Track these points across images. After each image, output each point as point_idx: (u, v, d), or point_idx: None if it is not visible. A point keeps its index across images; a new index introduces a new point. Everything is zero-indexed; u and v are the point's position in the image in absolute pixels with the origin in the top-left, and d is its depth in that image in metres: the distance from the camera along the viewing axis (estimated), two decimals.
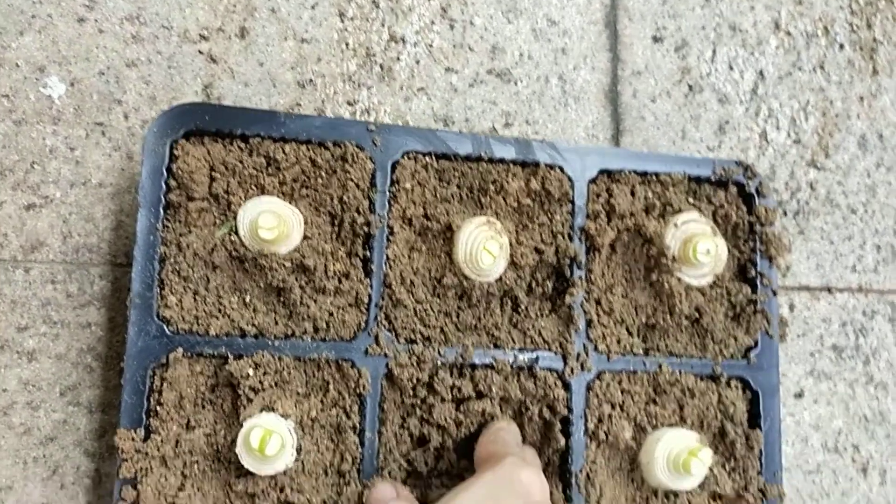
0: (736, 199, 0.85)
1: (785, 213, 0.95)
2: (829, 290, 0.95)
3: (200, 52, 0.83)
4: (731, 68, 0.96)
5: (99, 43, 0.81)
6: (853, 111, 0.98)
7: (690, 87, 0.94)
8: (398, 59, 0.88)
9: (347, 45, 0.86)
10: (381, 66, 0.87)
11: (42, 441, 0.76)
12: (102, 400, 0.77)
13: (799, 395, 0.93)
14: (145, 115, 0.81)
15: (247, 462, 0.69)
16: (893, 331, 0.96)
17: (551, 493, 0.74)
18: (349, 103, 0.86)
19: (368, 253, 0.76)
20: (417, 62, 0.88)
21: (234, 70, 0.84)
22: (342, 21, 0.86)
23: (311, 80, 0.85)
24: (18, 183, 0.78)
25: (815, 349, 0.94)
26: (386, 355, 0.74)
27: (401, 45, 0.88)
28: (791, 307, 0.94)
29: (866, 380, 0.95)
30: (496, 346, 0.78)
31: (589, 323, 0.79)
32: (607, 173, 0.82)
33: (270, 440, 0.67)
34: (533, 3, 0.91)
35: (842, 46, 0.99)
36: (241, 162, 0.74)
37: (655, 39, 0.94)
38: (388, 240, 0.76)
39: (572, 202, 0.80)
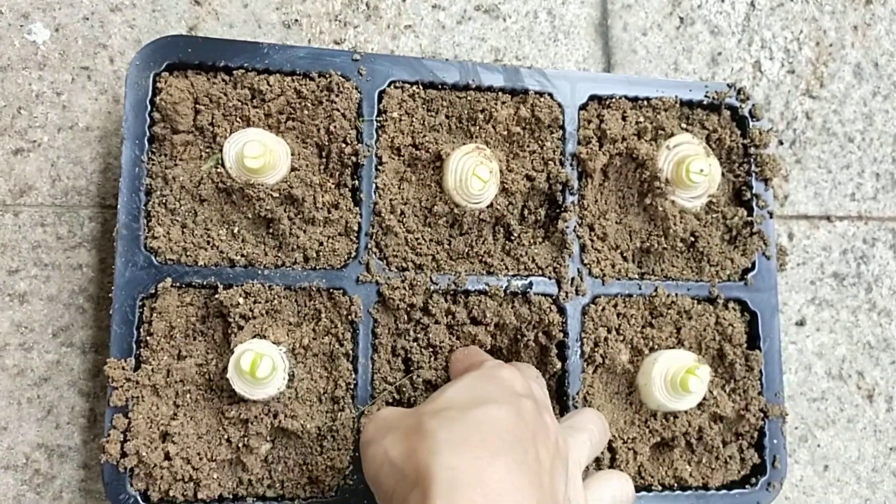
0: (729, 122, 0.84)
1: (781, 143, 0.94)
2: (828, 218, 0.94)
3: None
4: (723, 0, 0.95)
5: None
6: (847, 40, 0.97)
7: (682, 20, 0.93)
8: None
9: None
10: (368, 5, 0.87)
11: (36, 382, 0.76)
12: (95, 340, 0.77)
13: (801, 324, 0.92)
14: (130, 59, 0.81)
15: (238, 387, 0.68)
16: (895, 257, 0.95)
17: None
18: (336, 42, 0.86)
19: (357, 183, 0.75)
20: (404, 0, 0.88)
21: (218, 12, 0.83)
22: None
23: (296, 21, 0.85)
24: (5, 128, 0.78)
25: (816, 277, 0.93)
26: (378, 283, 0.74)
27: None
28: (790, 236, 0.93)
29: (869, 307, 0.94)
30: (489, 273, 0.77)
31: (583, 248, 0.79)
32: (598, 99, 0.82)
33: (261, 363, 0.67)
34: None
35: None
36: (225, 94, 0.74)
37: None
38: (377, 169, 0.76)
39: (563, 128, 0.80)
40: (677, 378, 0.75)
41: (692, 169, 0.77)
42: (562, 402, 0.77)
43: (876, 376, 0.93)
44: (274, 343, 0.70)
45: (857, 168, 0.95)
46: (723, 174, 0.83)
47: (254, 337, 0.70)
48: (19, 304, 0.76)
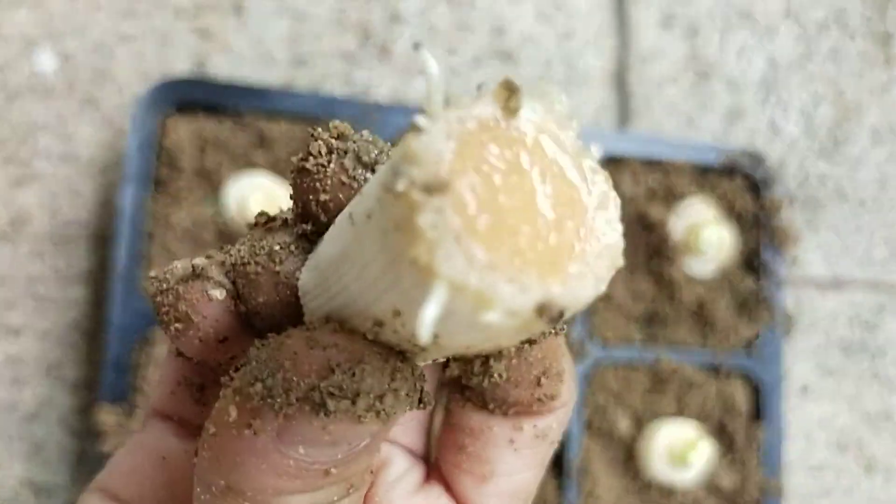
0: (742, 187, 0.83)
1: (793, 205, 0.93)
2: (836, 283, 0.93)
3: (194, 28, 0.82)
4: (741, 56, 0.94)
5: (93, 18, 0.80)
6: (865, 102, 0.96)
7: (699, 75, 0.92)
8: (397, 39, 0.86)
9: (346, 24, 0.85)
10: (380, 46, 0.86)
11: (26, 417, 0.75)
12: (87, 377, 0.76)
13: (804, 391, 0.91)
14: (137, 91, 0.79)
15: None
16: None
17: (545, 483, 0.72)
18: (345, 83, 0.84)
19: None
20: (417, 43, 0.86)
21: (228, 47, 0.82)
22: None
23: (307, 59, 0.84)
24: (9, 158, 0.77)
25: (822, 344, 0.92)
26: None
27: (401, 24, 0.86)
28: (798, 301, 0.92)
29: (873, 376, 0.92)
30: None
31: (588, 311, 0.78)
32: (610, 158, 0.80)
33: None
34: None
35: (854, 36, 0.97)
36: (231, 138, 0.73)
37: (664, 25, 0.92)
38: None
39: None
40: (677, 451, 0.74)
41: (703, 237, 0.76)
42: (559, 467, 0.75)
43: (876, 447, 0.92)
44: None
45: (869, 233, 0.94)
46: (733, 240, 0.81)
47: None
48: (13, 338, 0.75)
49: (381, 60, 0.85)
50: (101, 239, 0.78)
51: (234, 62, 0.82)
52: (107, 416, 0.68)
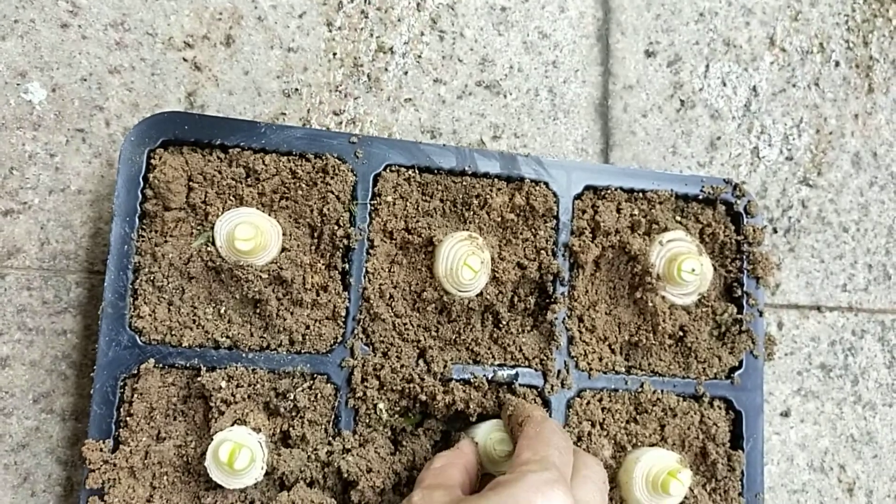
0: (724, 217, 0.84)
1: (776, 231, 0.94)
2: (818, 308, 0.94)
3: (185, 59, 0.82)
4: (725, 84, 0.95)
5: (82, 49, 0.80)
6: (847, 129, 0.97)
7: (682, 103, 0.93)
8: (386, 69, 0.87)
9: (335, 54, 0.86)
10: (369, 77, 0.86)
11: (14, 448, 0.76)
12: (76, 408, 0.77)
13: (785, 414, 0.92)
14: (127, 123, 0.80)
15: (216, 476, 0.68)
16: (883, 350, 0.95)
17: None
18: (335, 113, 0.85)
19: (347, 266, 0.75)
20: (405, 73, 0.87)
21: (218, 78, 0.83)
22: (330, 30, 0.86)
23: (296, 90, 0.84)
24: None
25: (803, 368, 0.93)
26: (364, 365, 0.74)
27: (389, 55, 0.87)
28: (780, 325, 0.93)
29: (854, 399, 0.94)
30: (476, 361, 0.77)
31: (570, 340, 0.79)
32: (593, 189, 0.81)
33: (240, 454, 0.66)
34: (524, 15, 0.90)
35: (837, 63, 0.98)
36: (219, 172, 0.74)
37: (648, 54, 0.93)
38: (368, 253, 0.76)
39: (557, 218, 0.79)
40: (658, 479, 0.75)
41: (684, 268, 0.77)
42: None
43: (857, 470, 0.93)
44: (254, 430, 0.70)
45: (851, 259, 0.95)
46: (715, 269, 0.83)
47: (234, 423, 0.70)
48: (1, 368, 0.76)
49: (370, 90, 0.86)
50: (91, 270, 0.78)
51: (225, 93, 0.83)
52: (92, 452, 0.68)
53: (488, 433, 0.73)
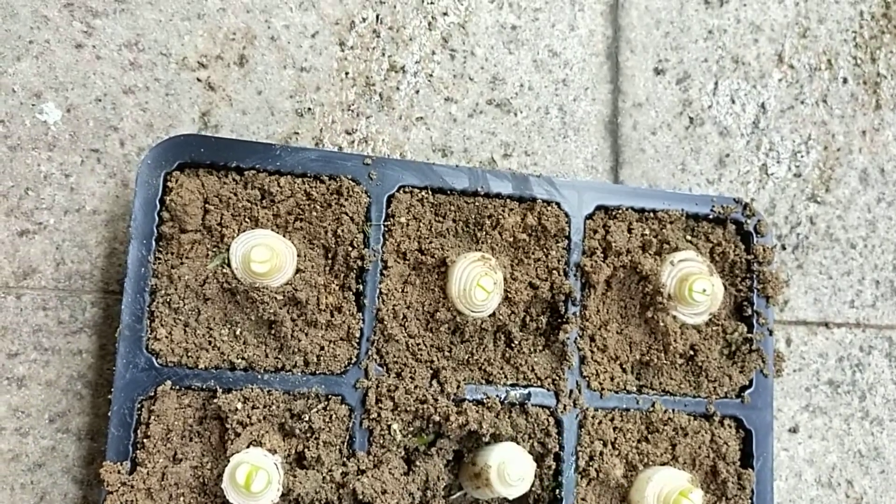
0: (734, 236, 0.84)
1: (784, 248, 0.94)
2: (826, 324, 0.95)
3: (199, 79, 0.83)
4: (733, 101, 0.95)
5: (96, 69, 0.81)
6: (855, 145, 0.98)
7: (691, 120, 0.94)
8: (398, 88, 0.87)
9: (347, 74, 0.86)
10: (381, 96, 0.87)
11: (30, 467, 0.76)
12: (91, 427, 0.77)
13: (794, 430, 0.92)
14: (141, 143, 0.81)
15: (232, 497, 0.68)
16: (890, 366, 0.95)
17: None
18: (347, 132, 0.86)
19: (361, 287, 0.75)
20: (417, 92, 0.88)
21: (232, 98, 0.83)
22: (342, 50, 0.86)
23: (309, 109, 0.85)
24: (12, 209, 0.78)
25: (812, 384, 0.93)
26: (378, 386, 0.74)
27: (401, 74, 0.88)
28: (788, 342, 0.93)
29: (862, 415, 0.94)
30: (488, 381, 0.78)
31: (582, 359, 0.79)
32: (604, 209, 0.82)
33: (257, 476, 0.67)
34: (535, 34, 0.91)
35: (845, 80, 0.99)
36: (235, 194, 0.74)
37: (657, 72, 0.93)
38: (382, 274, 0.76)
39: (568, 238, 0.80)
40: (670, 499, 0.75)
41: (695, 288, 0.78)
42: None
43: (865, 485, 0.93)
44: (270, 451, 0.70)
45: (858, 275, 0.96)
46: (725, 288, 0.83)
47: (250, 444, 0.70)
48: (17, 388, 0.76)
49: (382, 109, 0.86)
50: (106, 290, 0.79)
51: (238, 113, 0.83)
52: (110, 475, 0.69)
53: (501, 457, 0.73)
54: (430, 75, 0.88)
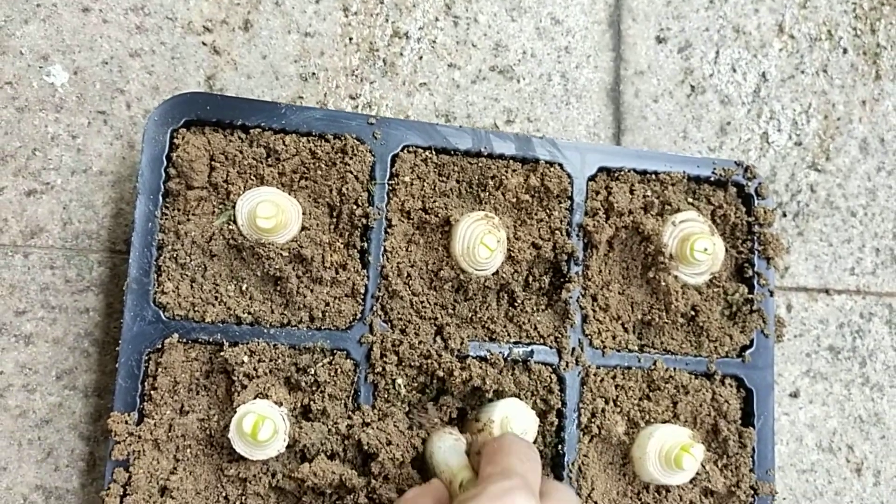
0: (735, 199, 0.85)
1: (784, 215, 0.95)
2: (826, 291, 0.95)
3: (204, 43, 0.84)
4: (734, 70, 0.96)
5: (103, 32, 0.82)
6: (855, 115, 0.99)
7: (693, 88, 0.95)
8: (401, 54, 0.88)
9: (351, 39, 0.87)
10: (384, 61, 0.88)
11: (37, 423, 0.77)
12: (98, 384, 0.78)
13: (794, 395, 0.93)
14: (147, 105, 0.82)
15: (239, 447, 0.69)
16: (890, 333, 0.96)
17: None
18: (351, 97, 0.86)
19: (366, 244, 0.76)
20: (420, 58, 0.89)
21: (236, 62, 0.84)
22: (346, 16, 0.87)
23: (313, 74, 0.86)
24: (20, 169, 0.79)
25: (812, 350, 0.94)
26: (383, 341, 0.75)
27: (404, 40, 0.88)
28: (789, 307, 0.94)
29: (862, 381, 0.95)
30: (492, 339, 0.78)
31: (585, 318, 0.80)
32: (607, 171, 0.83)
33: (263, 426, 0.68)
34: (537, 1, 0.92)
35: (845, 50, 0.99)
36: (240, 152, 0.75)
37: (659, 40, 0.94)
38: (386, 232, 0.77)
39: (571, 199, 0.81)
40: (672, 454, 0.76)
41: (696, 247, 0.78)
42: (557, 471, 0.77)
43: (865, 450, 0.94)
44: (276, 403, 0.71)
45: (858, 242, 0.97)
46: (726, 250, 0.84)
47: (256, 396, 0.71)
48: (24, 346, 0.77)
49: (385, 75, 0.87)
50: (113, 249, 0.80)
51: (243, 77, 0.84)
52: (118, 425, 0.70)
53: (504, 412, 0.74)
54: (434, 41, 0.89)
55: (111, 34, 0.82)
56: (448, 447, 0.72)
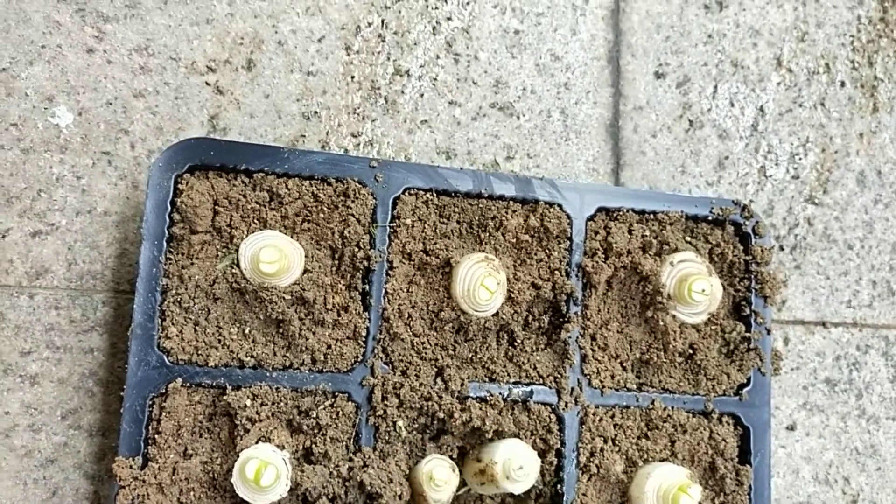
0: (732, 237, 0.86)
1: (782, 248, 0.96)
2: (823, 324, 0.96)
3: (207, 83, 0.84)
4: (732, 104, 0.97)
5: (107, 73, 0.82)
6: (852, 148, 0.99)
7: (691, 123, 0.95)
8: (403, 92, 0.89)
9: (353, 77, 0.88)
10: (386, 99, 0.88)
11: (43, 463, 0.78)
12: (103, 424, 0.79)
13: (791, 428, 0.94)
14: (152, 145, 0.82)
15: (242, 492, 0.70)
16: (887, 365, 0.97)
17: None
18: (353, 135, 0.87)
19: (368, 287, 0.77)
20: (421, 95, 0.89)
21: (240, 101, 0.85)
22: (348, 54, 0.88)
23: (316, 112, 0.87)
24: (25, 210, 0.79)
25: (809, 382, 0.95)
26: (384, 384, 0.76)
27: (405, 78, 0.89)
28: (786, 340, 0.95)
29: (859, 413, 0.96)
30: (492, 379, 0.79)
31: (584, 358, 0.81)
32: (606, 211, 0.83)
33: (266, 471, 0.68)
34: (537, 38, 0.92)
35: (843, 84, 1.00)
36: (244, 196, 0.76)
37: (658, 75, 0.95)
38: (388, 274, 0.78)
39: (570, 239, 0.81)
40: (669, 494, 0.77)
41: (694, 288, 0.79)
42: None
43: (861, 482, 0.95)
44: (278, 447, 0.72)
45: (855, 275, 0.97)
46: (723, 288, 0.84)
47: (259, 440, 0.72)
48: (30, 386, 0.78)
49: (387, 112, 0.88)
50: (117, 290, 0.80)
51: (246, 116, 0.85)
52: (122, 470, 0.70)
53: (507, 454, 0.75)
54: (435, 79, 0.90)
55: (115, 75, 0.83)
56: None
